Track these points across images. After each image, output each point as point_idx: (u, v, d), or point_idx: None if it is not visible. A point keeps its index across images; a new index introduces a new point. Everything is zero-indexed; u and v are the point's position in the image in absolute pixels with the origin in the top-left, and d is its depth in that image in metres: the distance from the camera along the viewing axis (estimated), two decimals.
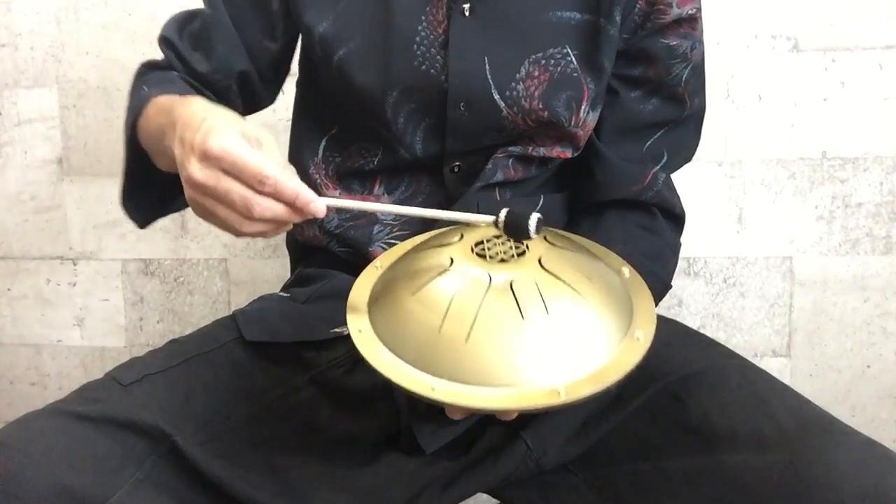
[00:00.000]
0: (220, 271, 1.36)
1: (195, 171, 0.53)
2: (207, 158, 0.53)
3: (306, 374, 0.71)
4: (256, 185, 0.53)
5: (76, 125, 1.35)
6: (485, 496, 0.82)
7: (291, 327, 0.73)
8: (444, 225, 0.73)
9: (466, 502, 0.73)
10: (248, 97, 0.83)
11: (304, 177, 0.81)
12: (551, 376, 0.51)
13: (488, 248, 0.57)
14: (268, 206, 0.54)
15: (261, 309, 0.76)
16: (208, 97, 0.73)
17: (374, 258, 0.76)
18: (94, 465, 0.57)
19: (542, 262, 0.56)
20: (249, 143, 0.54)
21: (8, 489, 0.54)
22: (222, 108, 0.59)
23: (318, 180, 0.81)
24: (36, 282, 1.42)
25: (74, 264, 1.40)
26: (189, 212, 1.44)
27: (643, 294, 0.59)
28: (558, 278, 0.54)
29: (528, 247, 0.57)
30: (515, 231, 0.55)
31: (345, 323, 0.57)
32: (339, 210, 0.79)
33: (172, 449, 0.62)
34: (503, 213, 0.55)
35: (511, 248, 0.57)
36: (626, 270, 0.62)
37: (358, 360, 0.68)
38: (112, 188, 1.36)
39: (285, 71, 0.86)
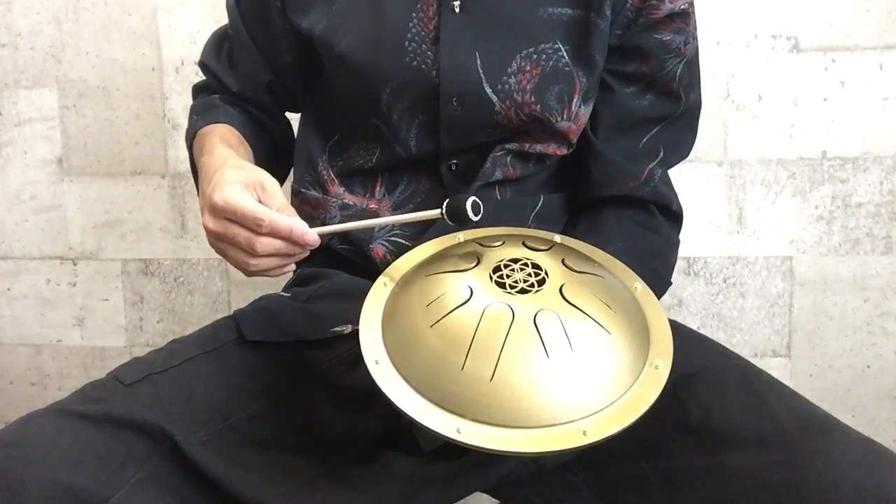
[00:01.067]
0: (220, 271, 1.36)
1: (208, 221, 0.65)
2: (215, 210, 0.64)
3: (307, 373, 0.71)
4: (255, 227, 0.62)
5: (76, 125, 1.35)
6: (485, 496, 0.82)
7: (292, 327, 0.73)
8: (444, 228, 0.74)
9: (467, 503, 0.73)
10: (282, 103, 0.89)
11: (312, 177, 0.84)
12: (575, 415, 0.51)
13: (507, 276, 0.56)
14: (268, 243, 0.63)
15: (261, 309, 0.76)
16: (248, 111, 0.86)
17: (376, 256, 0.77)
18: (96, 465, 0.57)
19: (564, 292, 0.55)
20: (254, 189, 0.65)
21: (10, 488, 0.54)
22: (235, 160, 0.71)
23: (326, 178, 0.83)
24: (36, 282, 1.42)
25: (74, 264, 1.40)
26: (189, 212, 1.44)
27: (656, 313, 0.59)
28: (581, 311, 0.54)
29: (547, 274, 0.56)
30: (458, 217, 0.59)
31: (359, 348, 0.57)
32: (341, 207, 0.81)
33: (174, 448, 0.62)
34: (444, 203, 0.60)
35: (531, 274, 0.56)
36: (639, 286, 0.62)
37: (358, 360, 0.68)
38: (112, 188, 1.36)
39: (313, 75, 0.87)
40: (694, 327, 1.11)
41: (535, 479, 0.71)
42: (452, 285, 0.56)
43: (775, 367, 1.23)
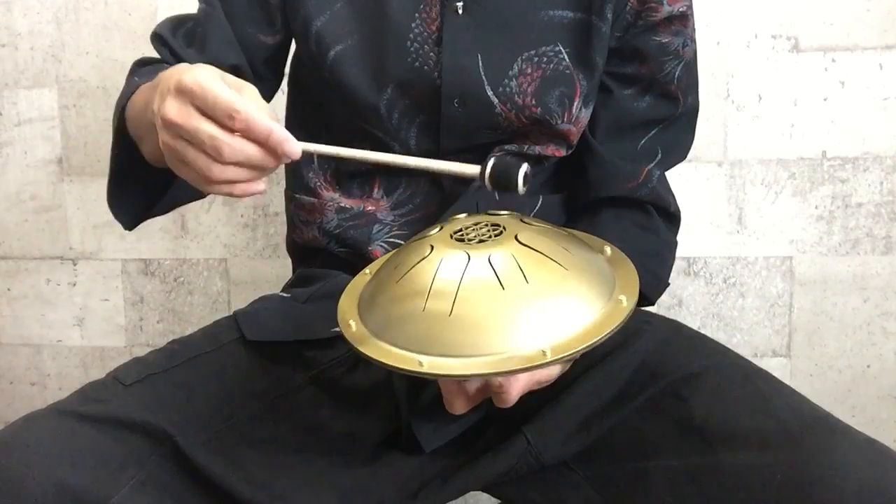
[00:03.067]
0: (220, 271, 1.36)
1: (168, 107, 0.52)
2: (181, 93, 0.51)
3: (307, 373, 0.71)
4: (227, 120, 0.51)
5: (76, 125, 1.35)
6: (485, 496, 0.82)
7: (292, 327, 0.73)
8: None
9: (467, 502, 0.73)
10: None
11: (302, 183, 0.82)
12: (535, 340, 0.52)
13: (467, 234, 0.59)
14: (239, 147, 0.51)
15: (261, 309, 0.76)
16: None
17: (375, 258, 0.77)
18: (96, 465, 0.57)
19: (519, 237, 0.57)
20: (229, 87, 0.53)
21: (10, 489, 0.54)
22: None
23: (318, 184, 0.81)
24: (36, 282, 1.42)
25: (74, 264, 1.40)
26: (189, 212, 1.44)
27: (626, 266, 0.60)
28: (536, 250, 0.56)
29: (504, 228, 0.58)
30: (503, 181, 0.54)
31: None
32: (338, 210, 0.80)
33: (174, 449, 0.62)
34: (490, 162, 0.54)
35: (490, 231, 0.59)
36: (608, 249, 0.63)
37: (358, 360, 0.68)
38: None
39: (280, 70, 0.86)
40: (694, 327, 1.11)
41: (535, 477, 0.71)
42: (416, 248, 0.59)
43: (775, 367, 1.23)
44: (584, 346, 0.51)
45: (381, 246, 0.78)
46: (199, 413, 0.65)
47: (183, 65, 0.56)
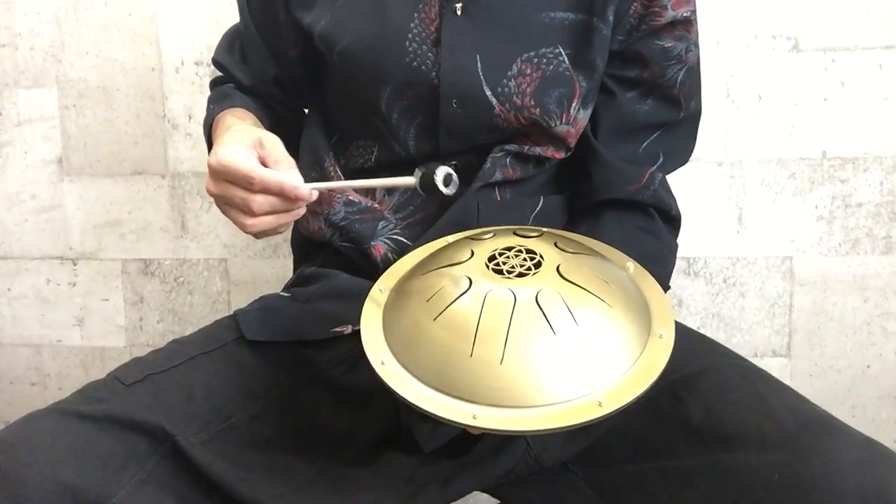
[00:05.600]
0: (220, 271, 1.36)
1: (208, 184, 0.65)
2: (212, 172, 0.64)
3: (307, 373, 0.71)
4: (248, 185, 0.63)
5: (76, 125, 1.35)
6: (485, 496, 0.82)
7: (292, 327, 0.73)
8: (445, 229, 0.74)
9: (467, 503, 0.73)
10: (291, 97, 0.89)
11: (321, 172, 0.83)
12: (588, 389, 0.51)
13: (503, 263, 0.56)
14: (263, 201, 0.63)
15: (262, 309, 0.76)
16: (263, 100, 0.87)
17: (376, 254, 0.77)
18: (97, 465, 0.57)
19: (561, 271, 0.55)
20: (252, 148, 0.65)
21: (11, 488, 0.54)
22: (240, 124, 0.75)
23: (332, 173, 0.82)
24: (36, 282, 1.42)
25: (74, 264, 1.40)
26: (189, 212, 1.44)
27: (653, 288, 0.60)
28: (580, 287, 0.54)
29: (542, 257, 0.56)
30: (429, 190, 0.60)
31: (361, 350, 0.56)
32: (346, 203, 0.80)
33: (174, 448, 0.62)
34: (417, 173, 0.62)
35: (526, 259, 0.56)
36: (631, 266, 0.62)
37: (358, 360, 0.68)
38: (112, 188, 1.36)
39: (317, 72, 0.87)
40: (694, 327, 1.11)
41: (535, 479, 0.71)
42: (450, 278, 0.56)
43: (775, 367, 1.23)
44: (636, 396, 0.51)
45: (383, 242, 0.78)
46: (199, 413, 0.65)
47: (215, 146, 0.68)
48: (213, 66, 0.94)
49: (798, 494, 0.55)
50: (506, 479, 0.71)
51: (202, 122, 0.88)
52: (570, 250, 0.59)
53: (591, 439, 0.69)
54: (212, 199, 0.68)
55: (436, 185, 0.61)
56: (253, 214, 0.64)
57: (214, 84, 0.92)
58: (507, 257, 0.57)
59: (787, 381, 0.68)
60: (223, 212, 0.67)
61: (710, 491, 0.60)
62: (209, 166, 0.64)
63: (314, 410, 0.70)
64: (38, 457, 0.56)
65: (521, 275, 0.55)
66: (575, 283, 0.54)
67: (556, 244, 0.59)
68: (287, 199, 0.64)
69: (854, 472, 0.55)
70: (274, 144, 0.66)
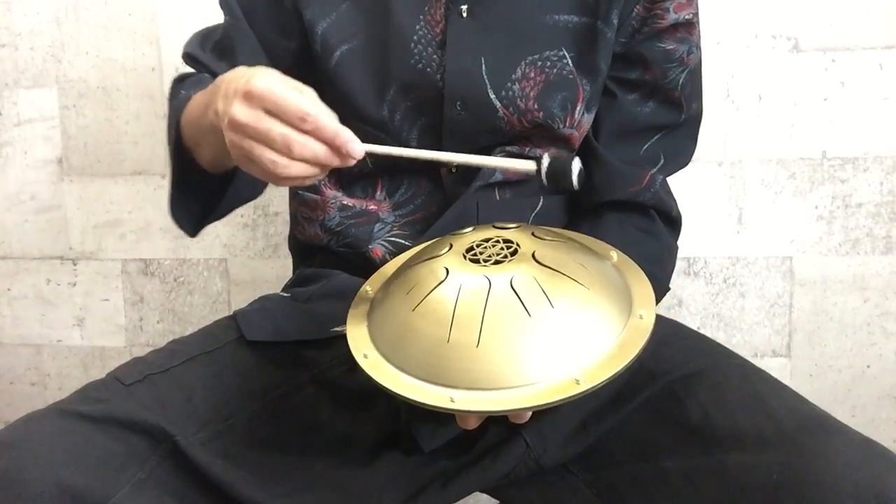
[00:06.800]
0: (220, 271, 1.36)
1: (237, 111, 0.55)
2: (251, 98, 0.55)
3: (307, 373, 0.71)
4: (298, 122, 0.54)
5: (76, 125, 1.35)
6: (485, 497, 0.82)
7: (292, 327, 0.73)
8: (445, 228, 0.74)
9: (467, 503, 0.73)
10: None
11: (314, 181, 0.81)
12: (566, 368, 0.51)
13: (480, 253, 0.57)
14: (307, 145, 0.55)
15: (261, 309, 0.76)
16: None
17: (375, 257, 0.77)
18: (97, 465, 0.57)
19: (536, 256, 0.56)
20: (293, 90, 0.56)
21: (11, 488, 0.54)
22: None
23: (321, 181, 0.81)
24: (36, 282, 1.42)
25: (74, 264, 1.40)
26: None
27: (636, 274, 0.60)
28: (556, 270, 0.55)
29: (518, 245, 0.57)
30: (559, 178, 0.56)
31: (350, 357, 0.57)
32: (340, 208, 0.80)
33: (174, 449, 0.62)
34: (545, 160, 0.56)
35: (503, 248, 0.57)
36: (615, 255, 0.62)
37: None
38: (112, 188, 1.36)
39: (310, 70, 0.87)
40: (694, 327, 1.11)
41: (535, 479, 0.71)
42: (428, 270, 0.57)
43: (775, 367, 1.23)
44: (614, 372, 0.51)
45: (381, 245, 0.78)
46: (198, 413, 0.65)
47: (243, 69, 0.59)
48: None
49: (797, 494, 0.55)
50: (506, 480, 0.71)
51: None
52: (548, 238, 0.59)
53: (591, 440, 0.69)
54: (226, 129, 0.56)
55: (570, 180, 0.56)
56: (290, 156, 0.55)
57: (179, 81, 0.80)
58: (485, 248, 0.58)
59: (786, 381, 0.68)
60: (243, 150, 0.56)
61: (709, 491, 0.60)
62: (249, 89, 0.54)
63: (314, 411, 0.70)
64: (38, 457, 0.56)
65: (497, 262, 0.56)
66: (550, 267, 0.55)
67: (533, 234, 0.59)
68: (335, 151, 0.56)
69: (853, 472, 0.54)
70: (316, 97, 0.58)
